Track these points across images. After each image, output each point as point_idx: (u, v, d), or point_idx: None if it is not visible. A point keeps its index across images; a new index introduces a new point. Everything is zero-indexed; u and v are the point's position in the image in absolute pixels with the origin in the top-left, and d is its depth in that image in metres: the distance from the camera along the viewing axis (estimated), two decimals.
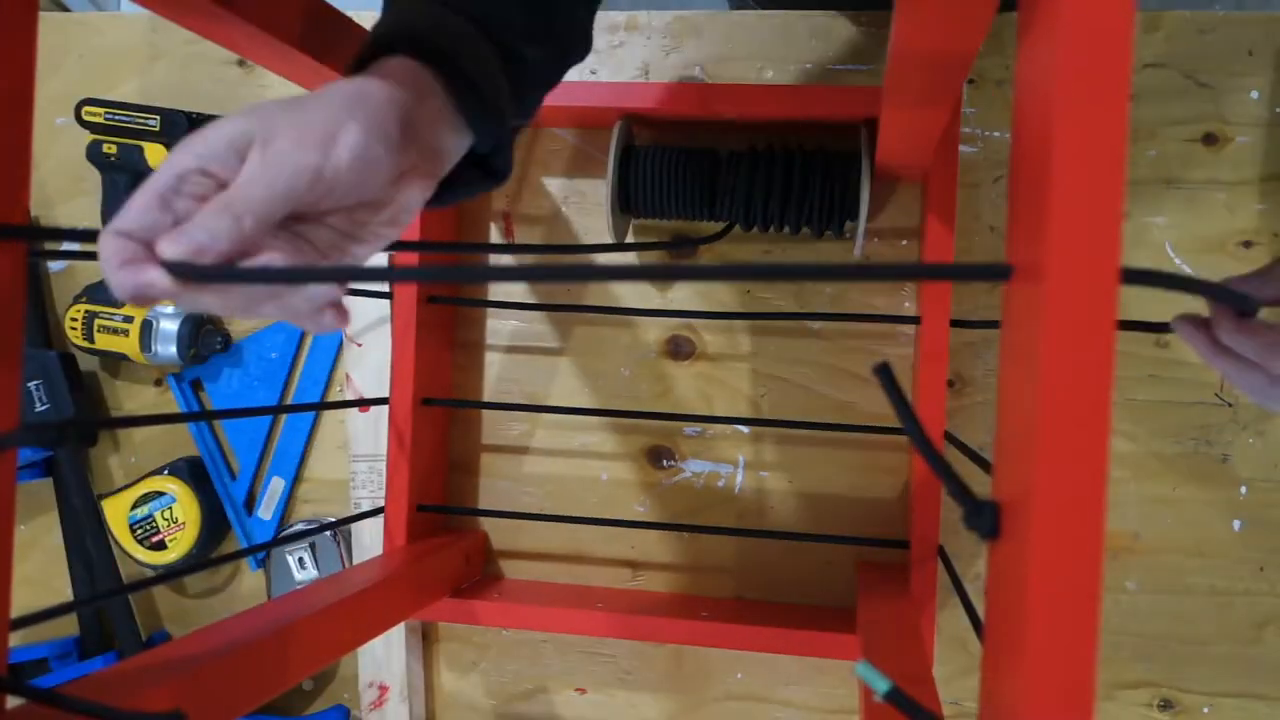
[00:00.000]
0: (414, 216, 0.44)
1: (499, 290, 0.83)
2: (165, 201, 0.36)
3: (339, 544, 0.83)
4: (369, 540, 0.82)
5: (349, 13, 0.59)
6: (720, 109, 0.74)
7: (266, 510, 0.85)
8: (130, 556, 0.84)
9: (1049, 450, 0.31)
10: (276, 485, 0.85)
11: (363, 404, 0.79)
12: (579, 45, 0.52)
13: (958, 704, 0.77)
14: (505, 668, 0.83)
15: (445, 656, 0.84)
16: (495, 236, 0.84)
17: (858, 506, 0.78)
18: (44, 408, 0.84)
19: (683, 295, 0.81)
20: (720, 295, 0.80)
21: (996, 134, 0.77)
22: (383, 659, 0.81)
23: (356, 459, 0.83)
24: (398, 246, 0.72)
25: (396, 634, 0.81)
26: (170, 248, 0.35)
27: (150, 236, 0.36)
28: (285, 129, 0.38)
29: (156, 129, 0.80)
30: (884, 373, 0.35)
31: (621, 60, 0.82)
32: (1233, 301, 0.43)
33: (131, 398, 0.88)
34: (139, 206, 0.36)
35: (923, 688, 0.53)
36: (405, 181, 0.42)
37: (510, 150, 0.49)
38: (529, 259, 0.83)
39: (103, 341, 0.83)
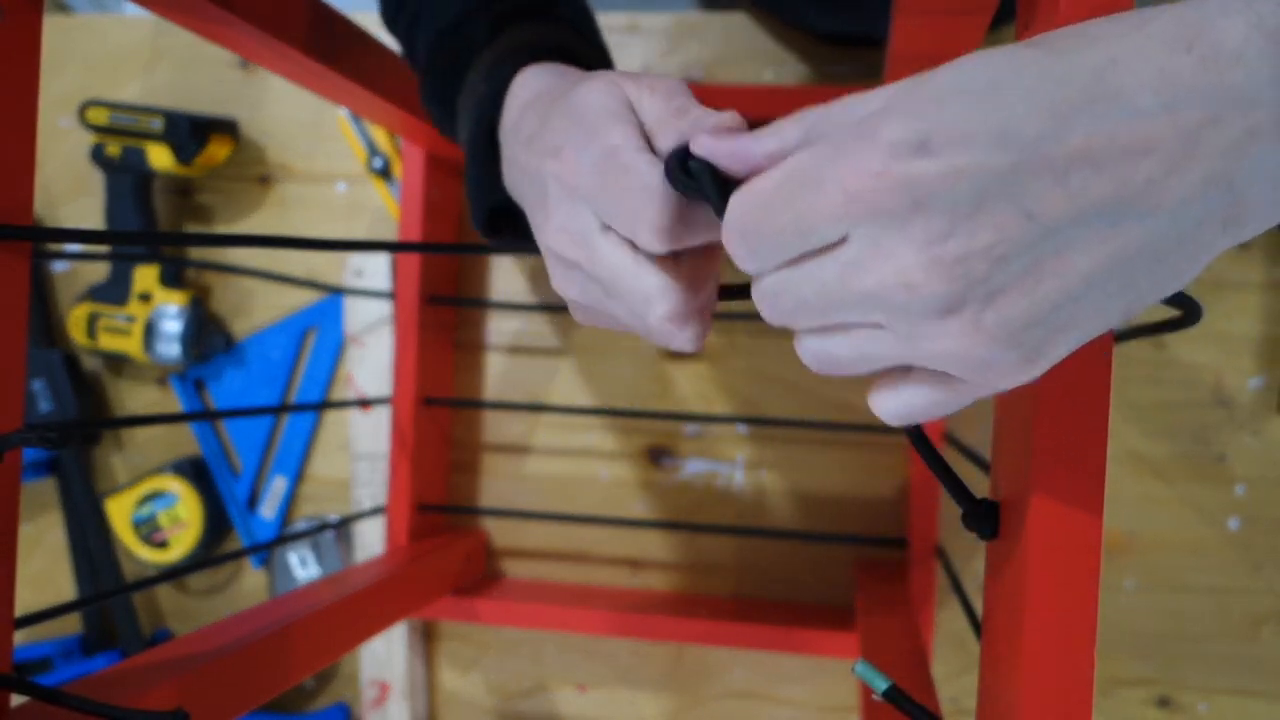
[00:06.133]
0: None
1: (500, 290, 0.84)
2: None
3: (340, 543, 0.84)
4: (371, 539, 0.83)
5: (349, 14, 0.59)
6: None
7: (269, 509, 0.86)
8: (133, 555, 0.85)
9: (1047, 450, 0.32)
10: (279, 484, 0.86)
11: (365, 404, 0.79)
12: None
13: (956, 702, 0.78)
14: (506, 666, 0.84)
15: (446, 655, 0.85)
16: None
17: (856, 506, 0.79)
18: (48, 407, 0.84)
19: None
20: None
21: None
22: (384, 657, 0.82)
23: (358, 458, 0.83)
24: (399, 247, 0.72)
25: (397, 632, 0.82)
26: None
27: None
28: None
29: (160, 130, 0.80)
30: None
31: (621, 63, 0.83)
32: None
33: (134, 397, 0.89)
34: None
35: (921, 686, 0.53)
36: None
37: None
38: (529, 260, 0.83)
39: (106, 341, 0.83)
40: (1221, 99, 0.24)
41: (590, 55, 0.48)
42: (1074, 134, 0.24)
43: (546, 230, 0.37)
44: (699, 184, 0.31)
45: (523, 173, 0.40)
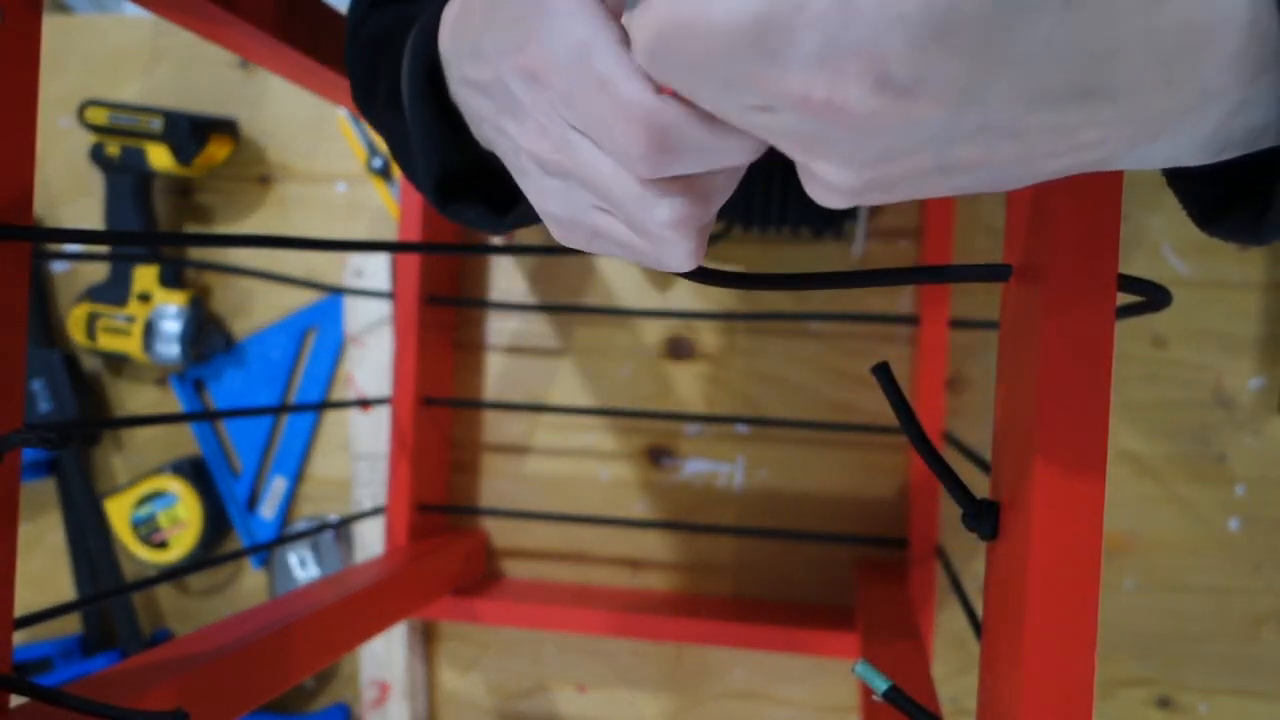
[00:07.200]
0: None
1: (500, 291, 0.84)
2: None
3: (340, 543, 0.84)
4: (370, 539, 0.83)
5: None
6: None
7: (268, 509, 0.86)
8: (133, 555, 0.85)
9: (1047, 450, 0.32)
10: (278, 485, 0.86)
11: (365, 404, 0.79)
12: None
13: (956, 702, 0.78)
14: (506, 666, 0.84)
15: (446, 655, 0.84)
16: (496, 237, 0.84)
17: (857, 506, 0.79)
18: (48, 407, 0.84)
19: (682, 295, 0.81)
20: (719, 296, 0.80)
21: None
22: (384, 657, 0.82)
23: (358, 458, 0.83)
24: (399, 247, 0.72)
25: (397, 632, 0.82)
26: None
27: None
28: None
29: (159, 130, 0.80)
30: (882, 372, 0.35)
31: None
32: None
33: (134, 397, 0.89)
34: None
35: (921, 686, 0.53)
36: None
37: None
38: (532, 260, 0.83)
39: (105, 341, 0.83)
40: None
41: None
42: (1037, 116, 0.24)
43: (523, 134, 0.31)
44: None
45: (476, 90, 0.34)
